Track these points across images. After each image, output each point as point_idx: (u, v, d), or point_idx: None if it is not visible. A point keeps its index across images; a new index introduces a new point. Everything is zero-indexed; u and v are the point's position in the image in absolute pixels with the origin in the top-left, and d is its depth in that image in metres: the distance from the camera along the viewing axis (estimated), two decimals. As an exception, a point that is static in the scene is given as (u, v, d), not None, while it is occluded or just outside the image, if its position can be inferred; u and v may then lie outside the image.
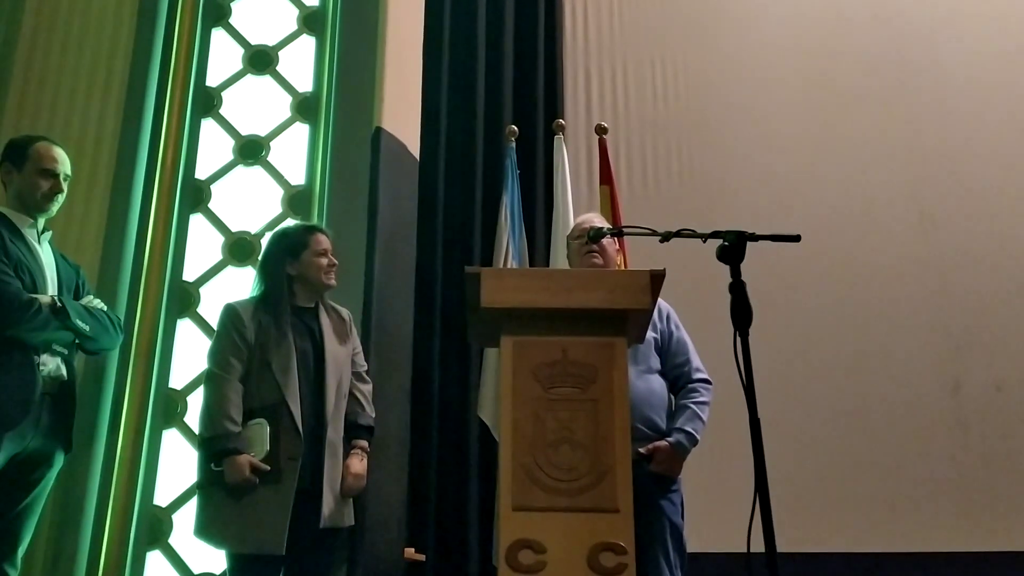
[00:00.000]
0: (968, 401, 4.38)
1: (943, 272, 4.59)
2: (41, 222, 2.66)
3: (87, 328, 2.57)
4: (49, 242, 2.70)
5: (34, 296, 2.47)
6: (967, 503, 4.18)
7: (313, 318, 2.75)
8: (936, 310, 4.52)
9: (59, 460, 2.60)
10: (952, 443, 4.30)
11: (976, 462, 4.27)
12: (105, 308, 2.74)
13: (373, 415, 2.81)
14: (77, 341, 2.61)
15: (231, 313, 2.68)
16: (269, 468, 2.48)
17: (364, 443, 2.73)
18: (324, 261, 2.76)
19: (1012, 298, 4.56)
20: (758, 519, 1.87)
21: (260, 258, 2.86)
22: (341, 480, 2.61)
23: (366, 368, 2.88)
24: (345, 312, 2.89)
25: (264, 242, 3.48)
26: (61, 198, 2.68)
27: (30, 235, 2.62)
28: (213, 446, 2.52)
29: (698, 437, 2.68)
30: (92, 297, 2.75)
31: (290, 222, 3.52)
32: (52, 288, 2.59)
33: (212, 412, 2.54)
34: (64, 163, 2.69)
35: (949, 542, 4.06)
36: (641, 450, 2.57)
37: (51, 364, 2.52)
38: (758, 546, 1.84)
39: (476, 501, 3.85)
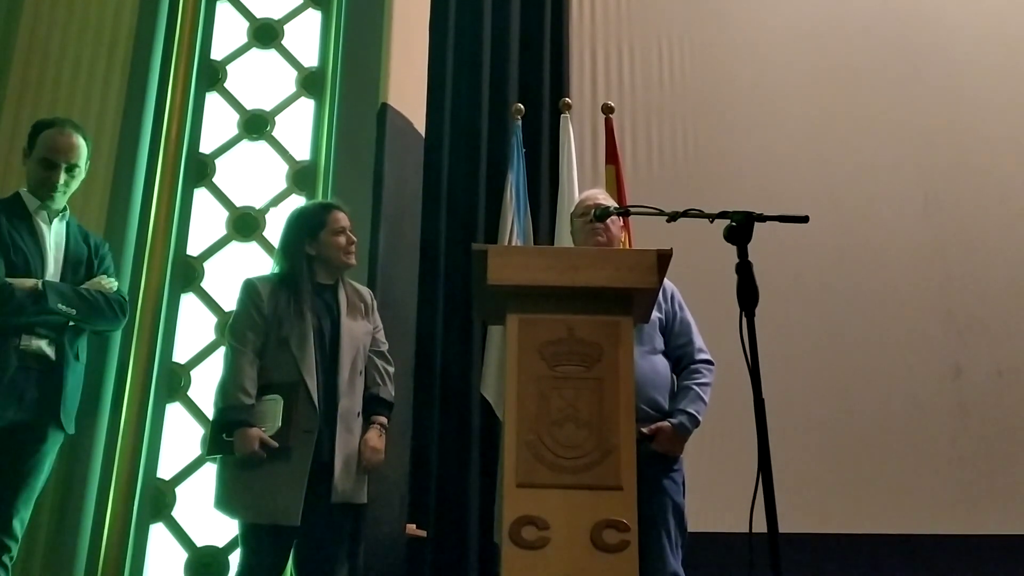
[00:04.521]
0: (969, 385, 4.39)
1: (947, 256, 4.58)
2: (56, 204, 2.69)
3: (72, 311, 2.59)
4: (66, 223, 2.72)
5: (8, 281, 2.50)
6: (967, 487, 4.19)
7: (331, 295, 2.75)
8: (939, 294, 4.52)
9: (55, 437, 2.62)
10: (953, 427, 4.31)
11: (976, 446, 4.28)
12: (114, 288, 2.76)
13: (393, 393, 2.82)
14: (71, 323, 2.63)
15: (249, 288, 2.70)
16: (277, 445, 2.49)
17: (383, 419, 2.75)
18: (342, 240, 2.74)
19: (1015, 283, 4.56)
20: (760, 499, 1.87)
21: (280, 237, 2.83)
22: (359, 454, 2.62)
23: (387, 347, 2.88)
24: (366, 291, 2.89)
25: (269, 217, 3.51)
26: (65, 188, 2.70)
27: (40, 217, 2.66)
28: (225, 417, 2.54)
29: (700, 419, 2.69)
30: (105, 276, 2.75)
31: (295, 198, 3.53)
32: (51, 270, 2.62)
33: (227, 384, 2.57)
34: (70, 152, 2.69)
35: (949, 525, 4.08)
36: (644, 430, 2.58)
37: (34, 344, 2.55)
38: (760, 526, 1.84)
39: (477, 478, 3.86)
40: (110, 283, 2.75)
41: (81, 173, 2.75)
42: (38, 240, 2.63)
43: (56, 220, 2.70)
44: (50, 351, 2.58)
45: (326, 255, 2.74)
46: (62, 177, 2.67)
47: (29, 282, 2.53)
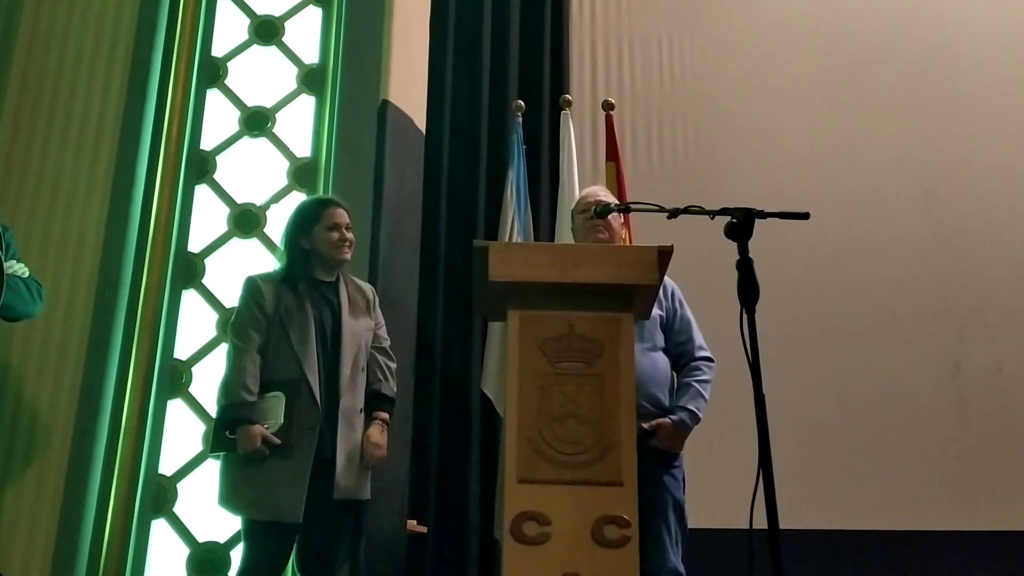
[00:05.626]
0: (969, 382, 4.39)
1: (947, 252, 4.58)
2: None
3: None
4: None
5: None
6: (967, 483, 4.19)
7: (332, 291, 2.76)
8: (939, 291, 4.51)
9: None
10: (952, 423, 4.31)
11: (976, 442, 4.28)
12: (27, 274, 2.65)
13: (395, 389, 2.83)
14: None
15: (251, 286, 2.71)
16: (279, 442, 2.50)
17: (385, 414, 2.75)
18: (335, 235, 2.74)
19: (1015, 280, 4.55)
20: (761, 495, 1.87)
21: (281, 233, 2.86)
22: (361, 450, 2.63)
23: (389, 343, 2.88)
24: (368, 288, 2.90)
25: (269, 214, 3.52)
26: None
27: None
28: (227, 414, 2.55)
29: (700, 415, 2.69)
30: (15, 262, 2.65)
31: (295, 194, 3.53)
32: None
33: (229, 381, 2.58)
34: None
35: (949, 521, 4.08)
36: (645, 425, 2.58)
37: None
38: (760, 522, 1.84)
39: (477, 474, 3.87)
40: (21, 267, 2.66)
41: None
42: None
43: None
44: None
45: (319, 250, 2.75)
46: None
47: None
